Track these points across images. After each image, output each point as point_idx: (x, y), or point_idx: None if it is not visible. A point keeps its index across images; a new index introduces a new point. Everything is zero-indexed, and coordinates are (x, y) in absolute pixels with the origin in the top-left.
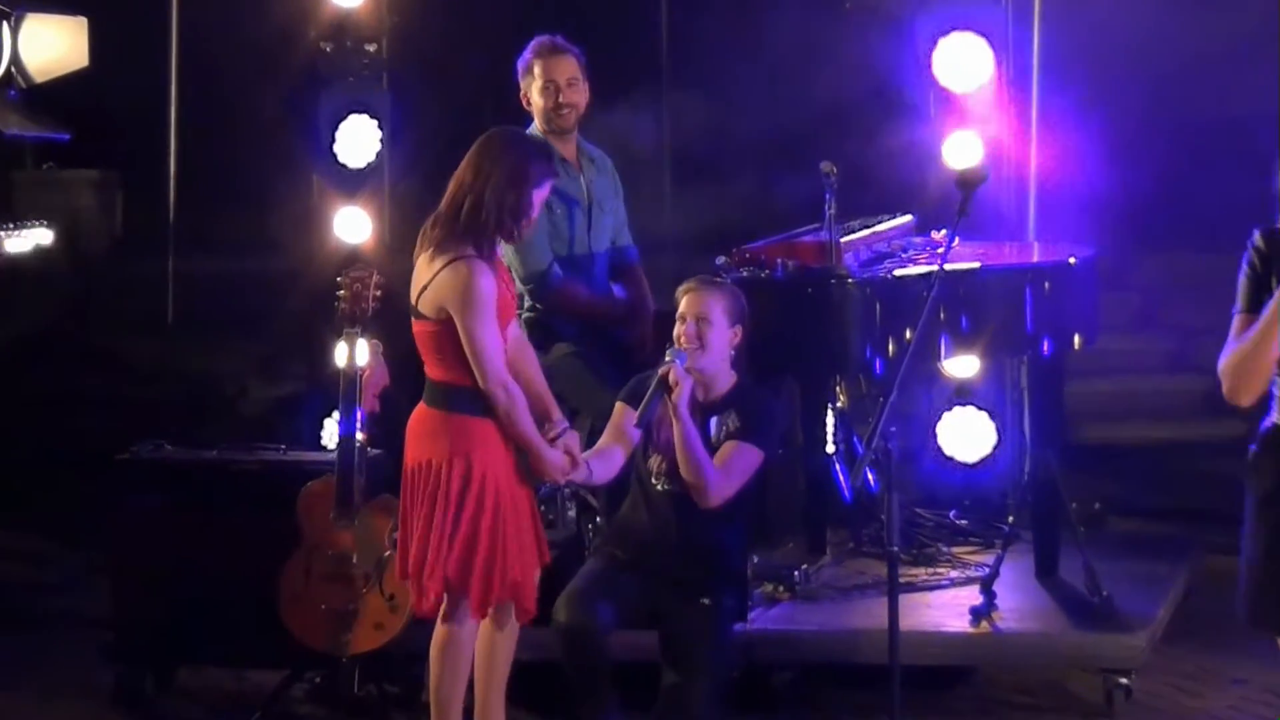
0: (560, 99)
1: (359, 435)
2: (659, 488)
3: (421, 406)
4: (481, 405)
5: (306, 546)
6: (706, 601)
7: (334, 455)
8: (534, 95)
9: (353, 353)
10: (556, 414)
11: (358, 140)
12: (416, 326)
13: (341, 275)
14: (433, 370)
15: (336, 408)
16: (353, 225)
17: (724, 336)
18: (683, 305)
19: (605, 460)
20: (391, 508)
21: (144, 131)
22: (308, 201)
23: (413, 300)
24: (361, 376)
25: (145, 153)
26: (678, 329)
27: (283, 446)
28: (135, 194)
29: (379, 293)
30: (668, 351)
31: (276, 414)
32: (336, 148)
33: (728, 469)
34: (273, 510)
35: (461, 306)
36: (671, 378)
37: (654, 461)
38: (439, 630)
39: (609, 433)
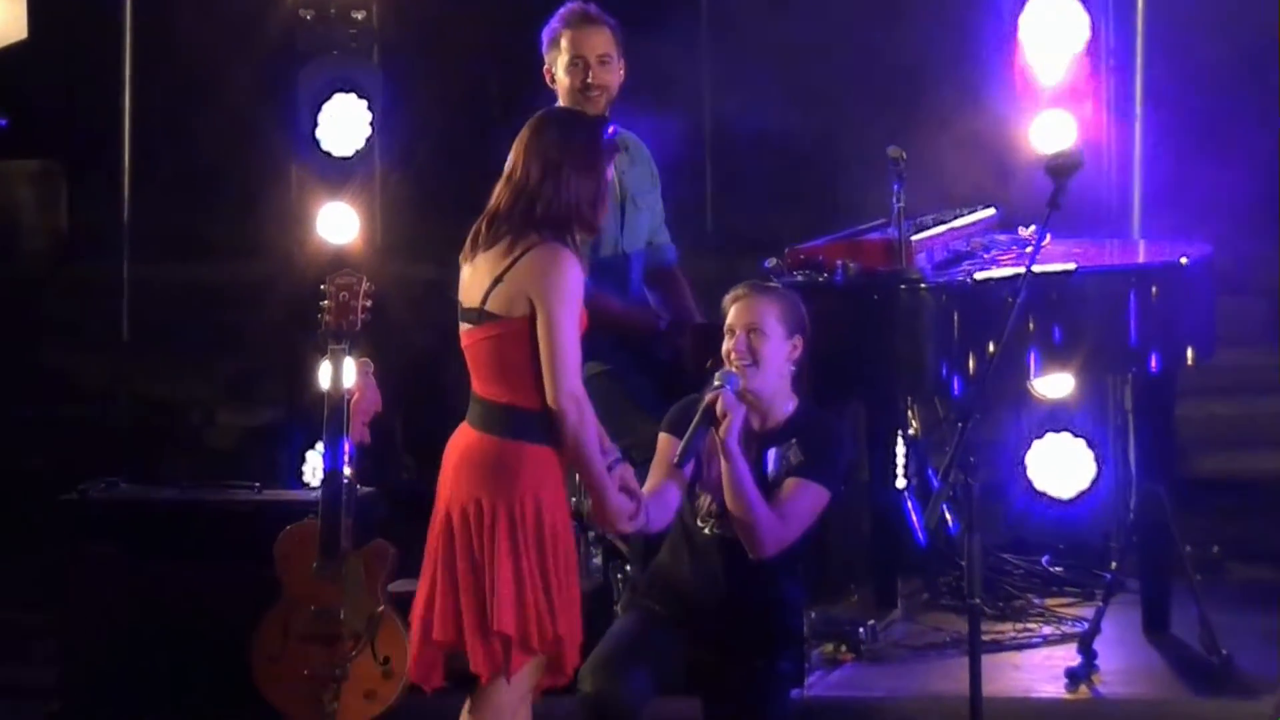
0: (590, 78)
1: (347, 470)
2: (706, 531)
3: (473, 433)
4: (549, 432)
5: (285, 601)
6: (759, 664)
7: (317, 494)
8: (559, 72)
9: (339, 373)
10: (606, 441)
11: (344, 124)
12: (476, 333)
13: (325, 282)
14: (490, 388)
15: (320, 438)
16: (338, 223)
17: (781, 350)
18: (731, 315)
19: (659, 503)
20: (385, 555)
21: (93, 115)
22: (286, 196)
23: (473, 302)
24: (349, 401)
25: (94, 140)
26: (726, 344)
27: (257, 484)
28: (82, 187)
29: (369, 302)
30: (716, 375)
31: (250, 445)
32: (319, 133)
33: (787, 513)
34: (246, 559)
35: (551, 294)
36: (719, 407)
37: (702, 501)
38: (491, 701)
39: (658, 470)
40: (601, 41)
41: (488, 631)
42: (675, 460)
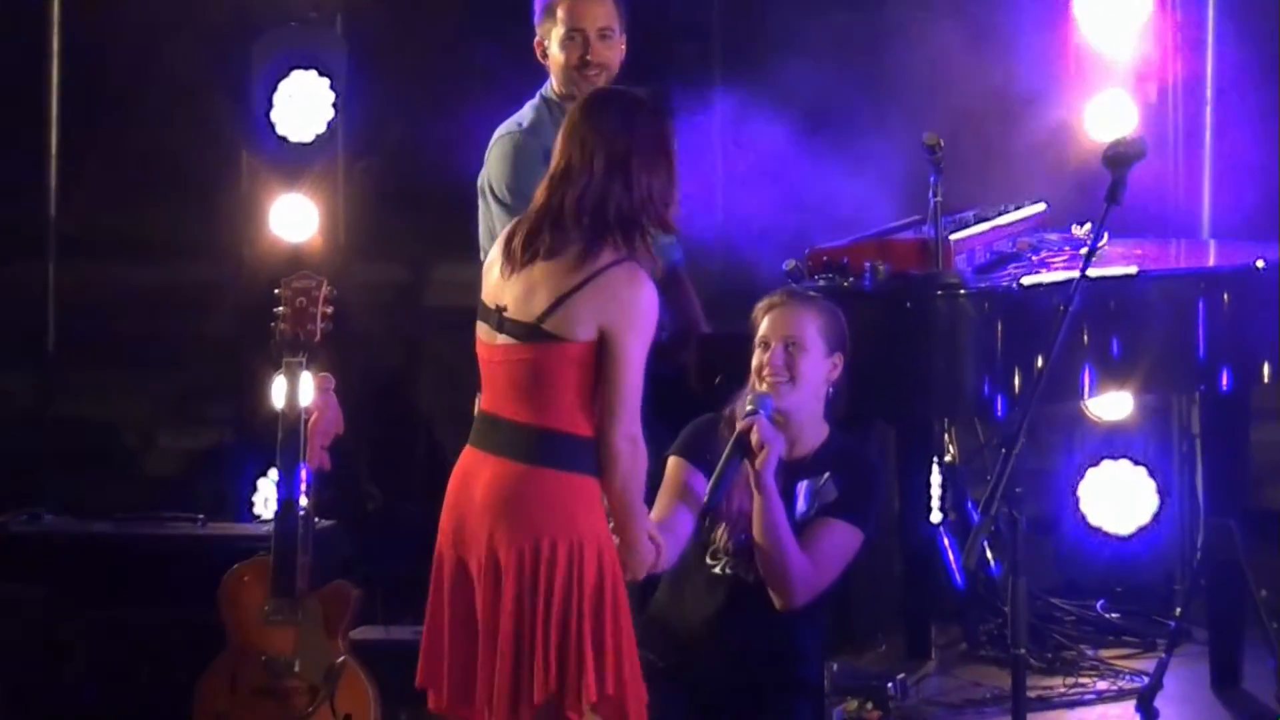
0: (588, 54)
1: (303, 501)
2: (717, 570)
3: (506, 462)
4: (595, 463)
5: (233, 649)
6: None
7: (270, 528)
8: (553, 45)
9: (295, 389)
10: None
11: (303, 106)
12: (521, 351)
13: (280, 286)
14: (529, 411)
15: (273, 464)
16: (295, 218)
17: (820, 369)
18: (765, 326)
19: (671, 537)
20: (347, 598)
21: (14, 99)
22: (236, 188)
23: (525, 316)
24: (307, 421)
25: (16, 126)
26: (758, 358)
27: (201, 516)
28: (1, 180)
29: (330, 309)
30: (748, 398)
31: (194, 472)
32: (274, 116)
33: (820, 556)
34: (188, 601)
35: (627, 325)
36: (755, 438)
37: (717, 535)
38: None
39: (668, 495)
40: (603, 13)
41: (521, 697)
42: (705, 500)
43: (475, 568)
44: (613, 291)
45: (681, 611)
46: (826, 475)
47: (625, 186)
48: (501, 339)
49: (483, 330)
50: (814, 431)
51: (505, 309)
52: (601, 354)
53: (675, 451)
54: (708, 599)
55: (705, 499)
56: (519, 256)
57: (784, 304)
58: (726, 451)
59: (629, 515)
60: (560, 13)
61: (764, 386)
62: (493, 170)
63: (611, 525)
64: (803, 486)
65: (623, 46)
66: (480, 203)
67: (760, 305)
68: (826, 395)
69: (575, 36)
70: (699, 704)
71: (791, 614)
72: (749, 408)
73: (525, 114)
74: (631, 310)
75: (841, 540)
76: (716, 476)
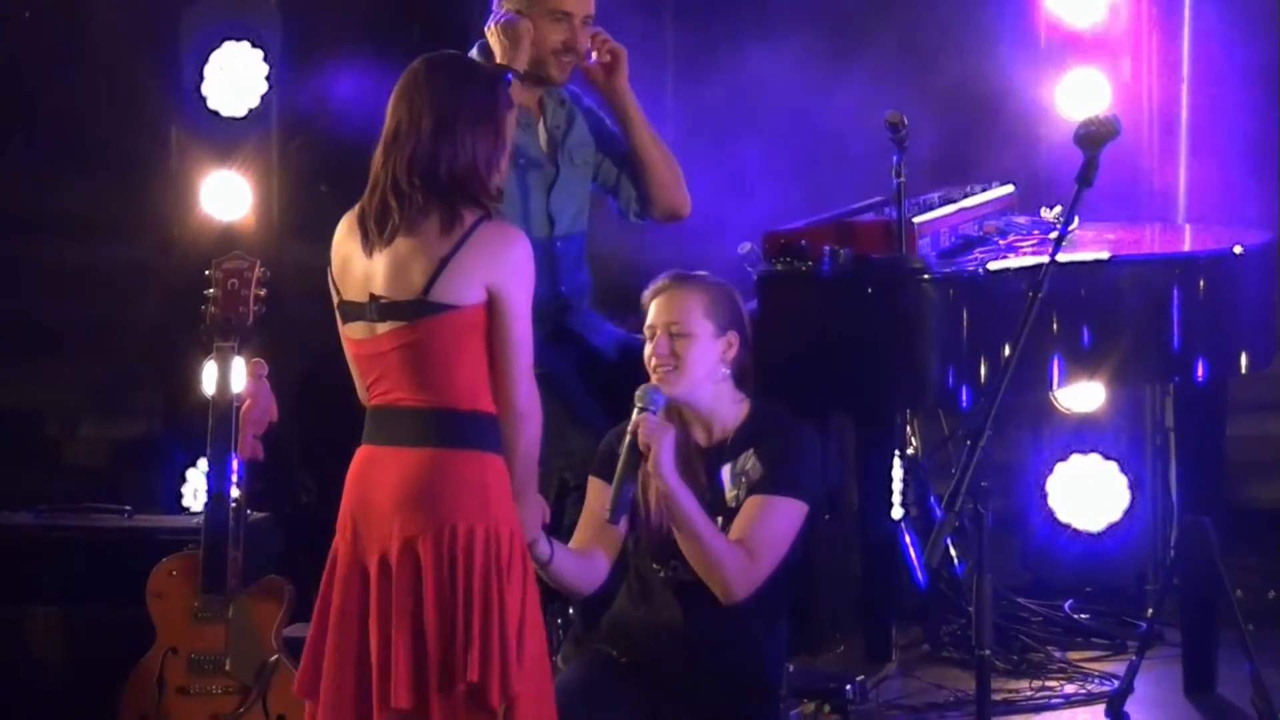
0: (573, 40)
1: (235, 492)
2: (662, 575)
3: (409, 452)
4: (499, 439)
5: (160, 648)
6: None
7: (199, 520)
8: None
9: (226, 376)
10: None
11: (235, 79)
12: (411, 332)
13: (211, 267)
14: (425, 395)
15: (203, 454)
16: (227, 196)
17: (710, 351)
18: (650, 314)
19: (578, 561)
20: (280, 594)
21: None
22: (164, 164)
23: (406, 293)
24: (238, 409)
25: None
26: (647, 349)
27: (128, 508)
28: None
29: (263, 291)
30: (637, 396)
31: (119, 463)
32: (206, 89)
33: (755, 541)
34: (114, 597)
35: (516, 278)
36: (642, 437)
37: (644, 543)
38: None
39: (584, 528)
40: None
41: (453, 686)
42: (609, 517)
43: (376, 568)
44: (491, 248)
45: (641, 615)
46: (749, 452)
47: (452, 147)
48: (384, 327)
49: (357, 329)
50: (728, 413)
51: (381, 296)
52: (491, 314)
53: (592, 471)
54: (660, 604)
55: (608, 512)
56: (377, 235)
57: (667, 289)
58: (622, 458)
59: (530, 476)
60: None
61: (654, 378)
62: None
63: None
64: (726, 471)
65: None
66: None
67: (646, 293)
68: (726, 374)
69: (562, 19)
70: (659, 700)
71: (745, 612)
72: (638, 405)
73: None
74: (513, 264)
75: (775, 517)
76: (615, 490)
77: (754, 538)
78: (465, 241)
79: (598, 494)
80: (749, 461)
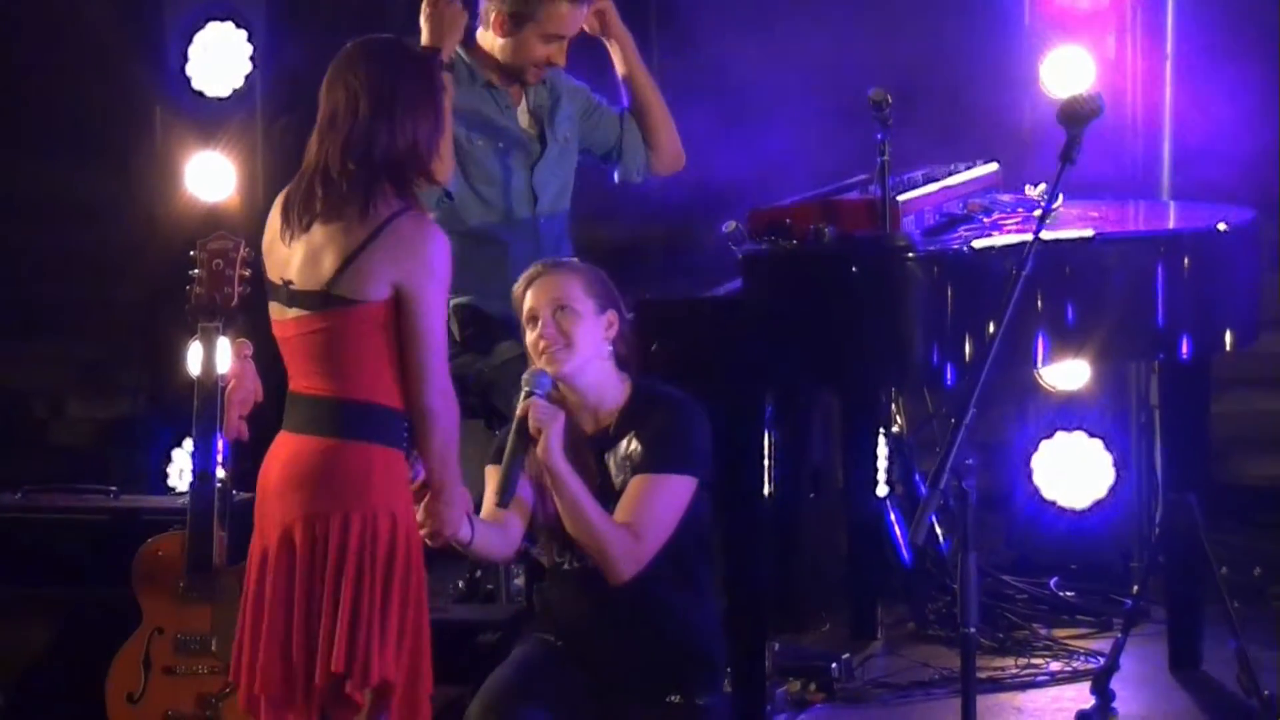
0: (557, 56)
1: (220, 472)
2: (567, 566)
3: (300, 439)
4: (401, 433)
5: (146, 628)
6: (675, 700)
7: (185, 500)
8: (530, 37)
9: (211, 356)
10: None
11: (219, 59)
12: (314, 321)
13: (196, 247)
14: (324, 382)
15: (188, 434)
16: (211, 177)
17: (595, 329)
18: (529, 299)
19: (495, 530)
20: None
21: None
22: (149, 145)
23: (310, 284)
24: (224, 389)
25: None
26: (531, 335)
27: (113, 489)
28: None
29: (248, 272)
30: (523, 380)
31: (104, 443)
32: (190, 69)
33: (639, 521)
34: (99, 577)
35: (426, 275)
36: (531, 422)
37: (543, 536)
38: None
39: (488, 506)
40: (581, 21)
41: (312, 682)
42: (498, 501)
43: (270, 550)
44: (402, 243)
45: (560, 607)
46: (630, 435)
47: (390, 132)
48: (293, 312)
49: (274, 309)
50: (612, 395)
51: (291, 282)
52: (400, 311)
53: (489, 459)
54: (573, 594)
55: (497, 496)
56: (297, 221)
57: (543, 273)
58: (510, 444)
59: (447, 471)
60: (547, 10)
61: (542, 361)
62: None
63: (415, 485)
64: (611, 456)
65: None
66: None
67: (518, 283)
68: (610, 353)
69: (553, 42)
70: (598, 682)
71: (663, 583)
72: (524, 389)
73: None
74: (425, 260)
75: (657, 495)
76: (503, 473)
77: (638, 518)
78: (377, 236)
79: (490, 476)
80: (631, 444)
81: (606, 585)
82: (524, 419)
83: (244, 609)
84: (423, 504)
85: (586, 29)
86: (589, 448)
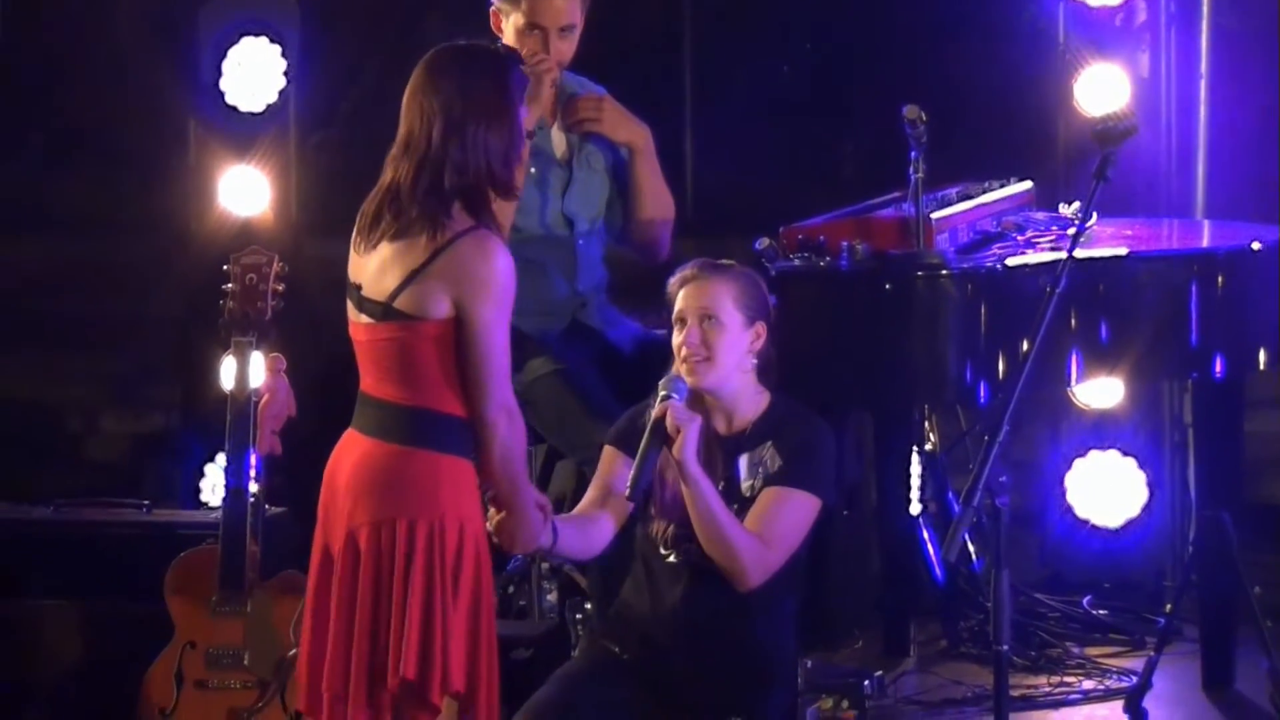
0: (546, 51)
1: (253, 487)
2: (672, 559)
3: (369, 441)
4: (469, 443)
5: (179, 642)
6: None
7: (218, 515)
8: (508, 30)
9: (244, 371)
10: None
11: (253, 74)
12: (378, 330)
13: (229, 262)
14: (393, 389)
15: (221, 449)
16: (245, 192)
17: (740, 341)
18: (680, 301)
19: (581, 530)
20: (298, 588)
21: None
22: (183, 160)
23: (377, 295)
24: (257, 405)
25: None
26: (676, 337)
27: (147, 503)
28: None
29: (281, 286)
30: (661, 383)
31: (137, 457)
32: (223, 84)
33: (770, 531)
34: (132, 591)
35: (484, 296)
36: (670, 423)
37: (656, 527)
38: None
39: (594, 491)
40: (566, 10)
41: (377, 684)
42: (626, 494)
43: (335, 551)
44: (462, 264)
45: (645, 604)
46: (769, 444)
47: (462, 151)
48: (363, 318)
49: (349, 308)
50: (750, 403)
51: (361, 287)
52: (460, 329)
53: (609, 439)
54: (668, 590)
55: (627, 492)
56: (368, 234)
57: (696, 278)
58: (644, 440)
59: (513, 487)
60: (525, 3)
61: (683, 368)
62: None
63: (489, 496)
64: (743, 460)
65: (578, 33)
66: None
67: (673, 280)
68: (754, 365)
69: (534, 32)
70: (663, 697)
71: (759, 602)
72: (661, 393)
73: None
74: (484, 281)
75: (790, 509)
76: (636, 469)
77: (771, 528)
78: (439, 255)
79: (611, 463)
80: (767, 453)
81: (701, 587)
82: (661, 420)
83: (306, 606)
84: (494, 518)
85: (570, 123)
86: (720, 449)
